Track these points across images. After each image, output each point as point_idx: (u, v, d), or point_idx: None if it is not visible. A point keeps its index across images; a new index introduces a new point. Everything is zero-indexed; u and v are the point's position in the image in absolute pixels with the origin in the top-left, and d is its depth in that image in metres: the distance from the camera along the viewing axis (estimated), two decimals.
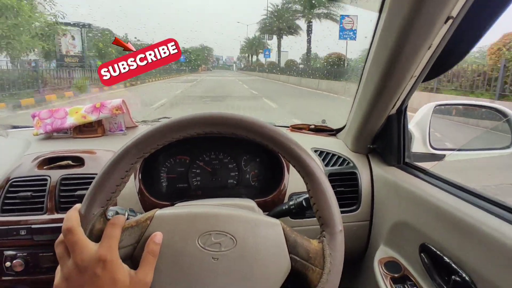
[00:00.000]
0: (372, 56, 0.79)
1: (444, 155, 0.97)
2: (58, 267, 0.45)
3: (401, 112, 0.90)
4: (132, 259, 0.47)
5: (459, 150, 0.96)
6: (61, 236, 0.45)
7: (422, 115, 0.97)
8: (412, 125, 0.98)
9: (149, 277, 0.45)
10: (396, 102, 0.86)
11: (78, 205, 0.48)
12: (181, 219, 0.50)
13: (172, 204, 0.88)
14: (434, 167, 0.93)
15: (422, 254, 0.77)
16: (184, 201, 0.88)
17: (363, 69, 0.89)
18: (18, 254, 0.83)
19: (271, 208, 0.90)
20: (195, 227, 0.49)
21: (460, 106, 1.02)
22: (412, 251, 0.80)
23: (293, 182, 0.97)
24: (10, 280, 0.84)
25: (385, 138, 0.98)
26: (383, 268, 0.86)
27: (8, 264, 0.82)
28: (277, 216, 0.85)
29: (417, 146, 0.97)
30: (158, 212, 0.50)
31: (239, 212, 0.52)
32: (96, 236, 0.46)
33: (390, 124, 0.94)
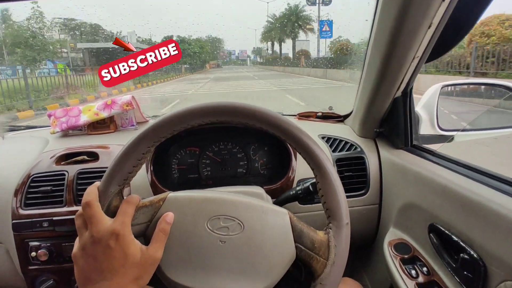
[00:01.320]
0: (373, 39, 0.79)
1: (453, 136, 0.96)
2: (77, 238, 0.49)
3: (407, 94, 0.89)
4: (145, 236, 0.50)
5: (468, 130, 0.94)
6: (80, 209, 0.48)
7: (429, 97, 0.96)
8: (419, 107, 0.97)
9: (159, 254, 0.48)
10: (400, 84, 0.86)
11: (97, 183, 0.51)
12: (192, 202, 0.52)
13: None
14: (444, 147, 0.93)
15: (431, 234, 0.77)
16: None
17: (366, 53, 0.89)
18: (42, 245, 0.88)
19: (279, 194, 0.92)
20: (205, 210, 0.51)
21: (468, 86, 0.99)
22: (421, 232, 0.81)
23: (301, 168, 0.99)
24: (36, 269, 0.90)
25: (391, 121, 0.97)
26: (392, 249, 0.87)
27: (33, 254, 0.88)
28: (285, 201, 0.87)
29: (425, 128, 0.97)
30: (171, 194, 0.53)
31: (249, 199, 0.54)
32: (112, 213, 0.49)
33: (396, 107, 0.93)
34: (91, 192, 0.49)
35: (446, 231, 0.72)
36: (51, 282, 0.91)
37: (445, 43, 0.72)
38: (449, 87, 0.94)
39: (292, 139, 0.53)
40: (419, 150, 0.93)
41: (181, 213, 0.51)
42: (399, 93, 0.90)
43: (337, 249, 0.51)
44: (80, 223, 0.48)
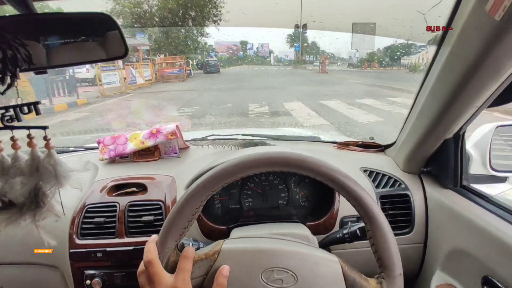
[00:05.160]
0: (431, 86, 0.77)
1: (507, 177, 0.92)
2: None
3: (459, 137, 0.87)
4: None
5: None
6: (142, 266, 0.51)
7: (481, 136, 0.92)
8: (469, 146, 0.94)
9: None
10: (454, 128, 0.84)
11: (155, 236, 0.53)
12: (246, 254, 0.54)
13: (228, 229, 0.93)
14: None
15: (485, 287, 0.74)
16: (239, 226, 0.93)
17: (417, 94, 0.87)
18: (96, 273, 0.93)
19: (323, 231, 0.92)
20: (259, 262, 0.52)
21: None
22: (473, 281, 0.78)
23: (344, 205, 0.98)
24: None
25: (440, 160, 0.95)
26: None
27: (88, 282, 0.93)
28: (331, 244, 0.87)
29: (475, 167, 0.93)
30: (225, 246, 0.54)
31: (300, 249, 0.55)
32: (171, 268, 0.51)
33: (446, 147, 0.91)
34: (151, 249, 0.51)
35: None
36: None
37: (507, 94, 0.69)
38: (505, 127, 0.90)
39: (340, 186, 0.53)
40: (469, 193, 0.90)
41: (236, 265, 0.52)
42: (450, 135, 0.87)
43: None
44: (143, 280, 0.51)
